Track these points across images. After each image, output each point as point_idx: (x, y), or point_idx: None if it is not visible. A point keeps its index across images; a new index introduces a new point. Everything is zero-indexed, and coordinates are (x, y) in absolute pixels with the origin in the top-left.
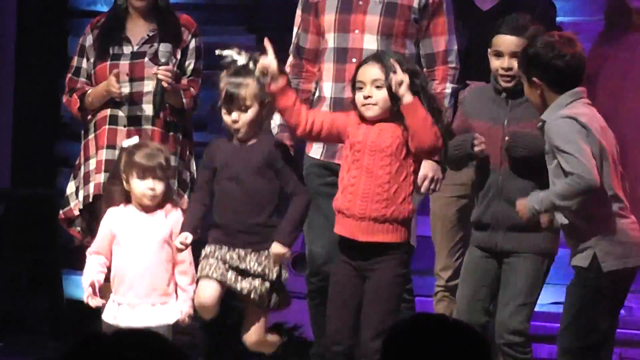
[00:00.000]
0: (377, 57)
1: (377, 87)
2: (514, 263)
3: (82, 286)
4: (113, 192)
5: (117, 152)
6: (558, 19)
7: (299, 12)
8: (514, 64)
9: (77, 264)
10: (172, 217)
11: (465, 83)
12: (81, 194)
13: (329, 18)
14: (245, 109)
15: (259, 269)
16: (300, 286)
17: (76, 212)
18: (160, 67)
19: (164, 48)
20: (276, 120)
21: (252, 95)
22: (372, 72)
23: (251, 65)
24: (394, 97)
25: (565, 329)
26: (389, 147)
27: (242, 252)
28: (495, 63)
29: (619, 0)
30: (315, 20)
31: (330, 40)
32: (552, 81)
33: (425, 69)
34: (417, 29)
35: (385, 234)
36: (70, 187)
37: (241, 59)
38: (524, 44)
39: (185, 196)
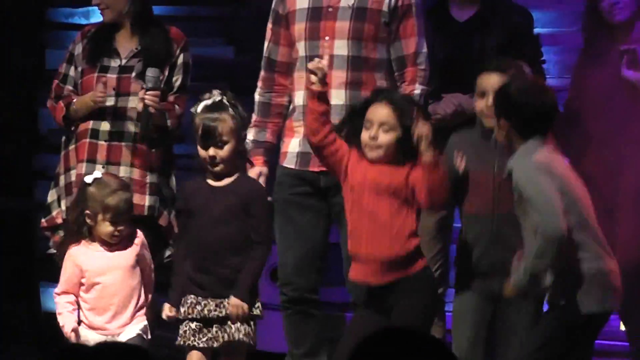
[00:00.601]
0: (390, 97)
1: (385, 130)
2: (513, 310)
3: (61, 327)
4: (76, 225)
5: (97, 165)
6: (535, 30)
7: (269, 25)
8: None
9: (55, 275)
10: (135, 243)
11: (440, 96)
12: (63, 203)
13: (299, 27)
14: (222, 145)
15: None
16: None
17: (59, 221)
18: (148, 92)
19: (151, 73)
20: (250, 135)
21: (229, 131)
22: (382, 112)
23: (225, 100)
24: (406, 145)
25: (528, 355)
26: (388, 187)
27: (221, 300)
28: (480, 104)
29: (598, 16)
30: (285, 32)
31: (301, 48)
32: (519, 126)
33: (395, 72)
34: (388, 32)
35: (396, 272)
36: (52, 195)
37: (215, 97)
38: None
39: (165, 213)
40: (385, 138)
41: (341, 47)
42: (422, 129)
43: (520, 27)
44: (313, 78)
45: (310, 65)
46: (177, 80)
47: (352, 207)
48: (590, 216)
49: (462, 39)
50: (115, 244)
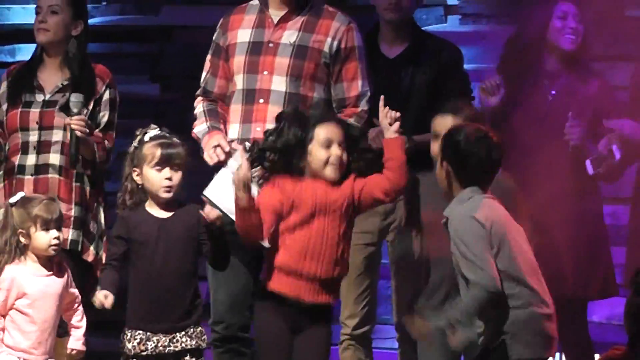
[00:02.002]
0: (335, 116)
1: (343, 148)
2: None
3: None
4: (8, 247)
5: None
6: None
7: (209, 56)
8: None
9: None
10: (67, 274)
11: (372, 122)
12: None
13: (238, 60)
14: (177, 169)
15: (193, 343)
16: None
17: None
18: (73, 117)
19: (75, 98)
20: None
21: (183, 156)
22: (338, 131)
23: (152, 134)
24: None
25: None
26: (340, 208)
27: (173, 335)
28: (433, 147)
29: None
30: (224, 64)
31: (239, 81)
32: (461, 173)
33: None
34: (327, 73)
35: (329, 295)
36: None
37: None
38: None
39: (91, 248)
40: (345, 156)
41: (279, 83)
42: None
43: (449, 63)
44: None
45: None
46: (104, 116)
47: (297, 225)
48: (525, 266)
49: (392, 75)
50: (54, 261)
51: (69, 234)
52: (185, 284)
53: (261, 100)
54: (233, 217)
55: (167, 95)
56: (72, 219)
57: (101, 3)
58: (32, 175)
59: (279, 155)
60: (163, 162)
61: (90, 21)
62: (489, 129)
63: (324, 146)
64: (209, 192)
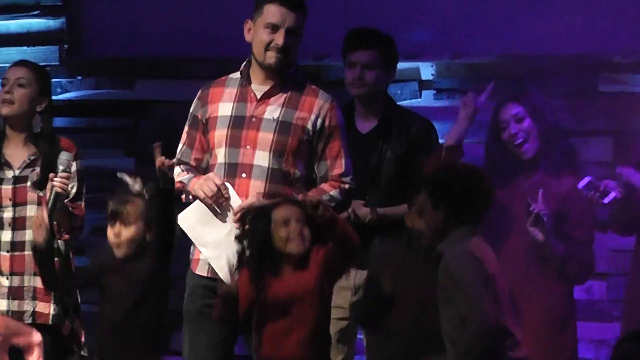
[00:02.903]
0: (290, 199)
1: (302, 222)
2: None
3: None
4: None
5: (2, 278)
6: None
7: (186, 128)
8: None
9: None
10: None
11: None
12: None
13: (220, 133)
14: (127, 225)
15: None
16: None
17: None
18: (59, 174)
19: (64, 156)
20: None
21: (136, 213)
22: (294, 209)
23: (137, 187)
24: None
25: None
26: (313, 290)
27: None
28: (419, 223)
29: (503, 146)
30: (202, 136)
31: (221, 155)
32: (458, 213)
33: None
34: (309, 150)
35: None
36: None
37: (135, 185)
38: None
39: (67, 322)
40: (307, 231)
41: (262, 158)
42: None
43: (421, 137)
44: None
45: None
46: (73, 187)
47: (275, 314)
48: (506, 310)
49: (363, 150)
50: None
51: (51, 309)
52: (136, 332)
53: (243, 175)
54: (203, 249)
55: (141, 169)
56: (53, 293)
57: (76, 77)
58: (7, 252)
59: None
60: (111, 218)
61: (65, 95)
62: (477, 166)
63: (282, 225)
64: (183, 220)
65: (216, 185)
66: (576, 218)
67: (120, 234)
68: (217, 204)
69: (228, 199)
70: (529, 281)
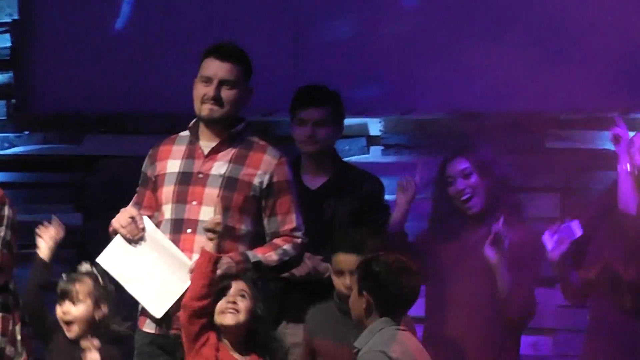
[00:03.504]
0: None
1: (242, 296)
2: None
3: None
4: None
5: None
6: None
7: (138, 187)
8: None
9: None
10: None
11: None
12: None
13: (167, 190)
14: (76, 304)
15: None
16: None
17: None
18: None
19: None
20: None
21: (85, 292)
22: (237, 282)
23: (85, 268)
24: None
25: None
26: None
27: None
28: (337, 282)
29: (449, 202)
30: (150, 194)
31: (168, 211)
32: (381, 304)
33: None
34: (256, 206)
35: None
36: None
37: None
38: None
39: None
40: (243, 304)
41: (208, 214)
42: None
43: (371, 195)
44: (210, 235)
45: (207, 225)
46: (0, 232)
47: None
48: None
49: (314, 207)
50: None
51: None
52: None
53: (189, 230)
54: (128, 286)
55: (89, 225)
56: None
57: (24, 132)
58: None
59: None
60: (61, 297)
61: (13, 150)
62: (408, 259)
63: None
64: (103, 260)
65: (131, 216)
66: (519, 269)
67: (69, 312)
68: (132, 235)
69: (143, 229)
70: (476, 336)
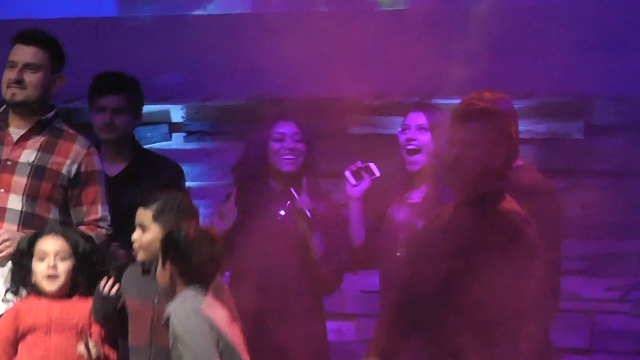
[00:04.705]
0: (59, 230)
1: (62, 258)
2: None
3: None
4: None
5: None
6: (187, 183)
7: None
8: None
9: None
10: None
11: None
12: None
13: None
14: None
15: None
16: None
17: None
18: None
19: None
20: None
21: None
22: (59, 243)
23: None
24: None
25: None
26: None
27: None
28: (135, 236)
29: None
30: None
31: None
32: (184, 272)
33: None
34: (64, 195)
35: None
36: None
37: None
38: (152, 214)
39: None
40: (63, 267)
41: (15, 202)
42: None
43: (170, 180)
44: None
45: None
46: None
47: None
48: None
49: (114, 192)
50: None
51: None
52: None
53: None
54: None
55: None
56: None
57: None
58: None
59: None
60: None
61: None
62: (209, 227)
63: (40, 259)
64: None
65: None
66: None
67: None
68: None
69: None
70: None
